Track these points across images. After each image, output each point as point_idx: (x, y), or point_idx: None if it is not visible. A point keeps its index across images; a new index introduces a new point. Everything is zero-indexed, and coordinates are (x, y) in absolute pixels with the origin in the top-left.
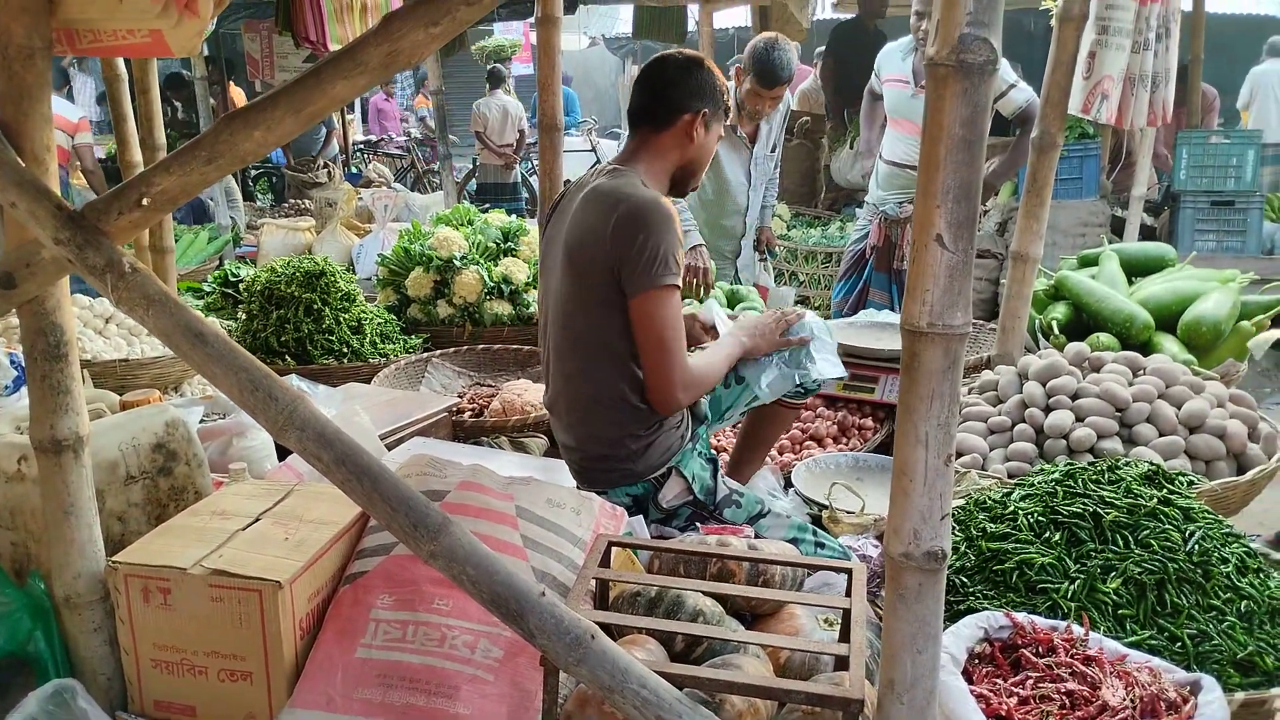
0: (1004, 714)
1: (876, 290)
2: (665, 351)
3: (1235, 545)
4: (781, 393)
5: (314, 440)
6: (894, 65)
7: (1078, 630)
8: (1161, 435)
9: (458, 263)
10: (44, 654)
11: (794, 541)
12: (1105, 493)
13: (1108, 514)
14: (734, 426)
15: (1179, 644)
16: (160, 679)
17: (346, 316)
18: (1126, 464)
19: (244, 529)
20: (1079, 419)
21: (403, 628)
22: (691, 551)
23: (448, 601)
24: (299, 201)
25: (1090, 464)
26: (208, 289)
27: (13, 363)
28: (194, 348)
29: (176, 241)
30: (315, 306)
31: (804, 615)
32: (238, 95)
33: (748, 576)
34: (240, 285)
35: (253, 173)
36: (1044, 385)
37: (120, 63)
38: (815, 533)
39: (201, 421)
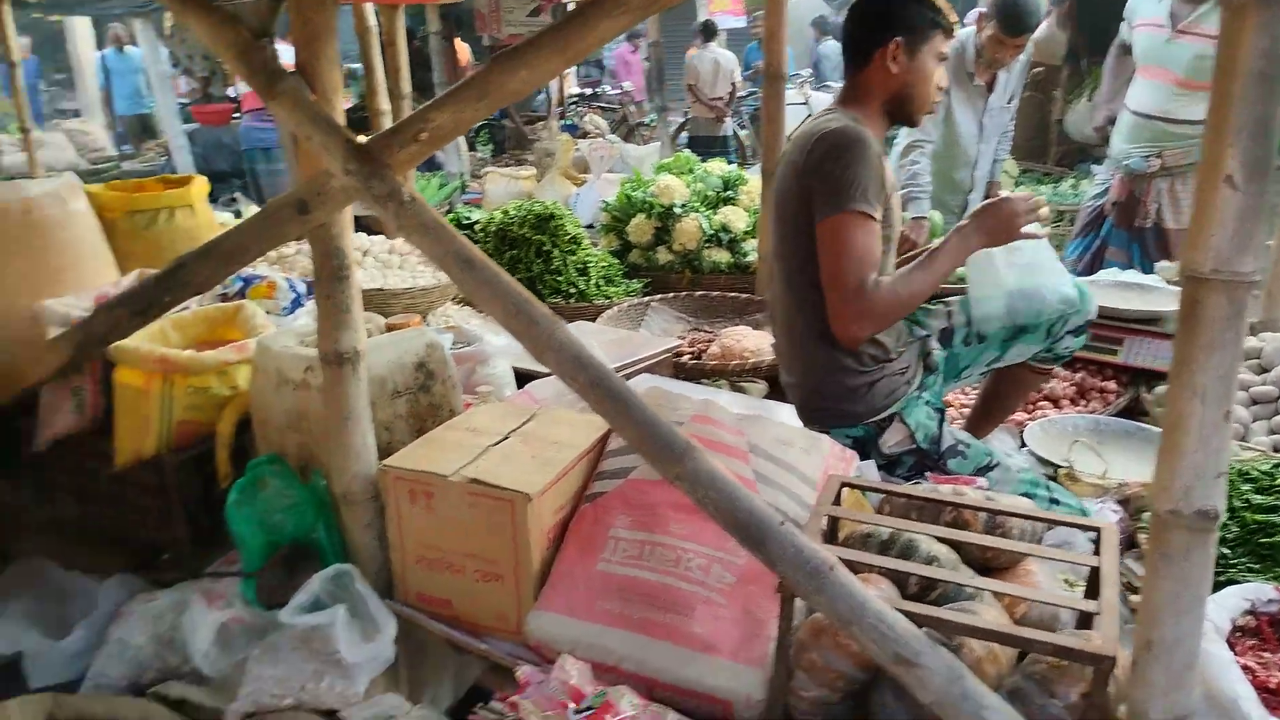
0: (1272, 688)
1: (1115, 248)
2: (838, 277)
3: None
4: (1028, 355)
5: (571, 362)
6: (1148, 8)
7: None
8: None
9: (678, 210)
10: (324, 543)
11: (1026, 497)
12: None
13: None
14: (973, 385)
15: None
16: (422, 574)
17: (573, 259)
18: None
19: (495, 444)
20: None
21: (640, 547)
22: (925, 498)
23: (684, 526)
24: (518, 152)
25: None
26: None
27: (290, 287)
28: (464, 272)
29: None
30: (545, 248)
31: (1042, 572)
32: (462, 50)
33: (984, 527)
34: (475, 226)
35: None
36: None
37: (370, 15)
38: (1050, 488)
39: (461, 346)
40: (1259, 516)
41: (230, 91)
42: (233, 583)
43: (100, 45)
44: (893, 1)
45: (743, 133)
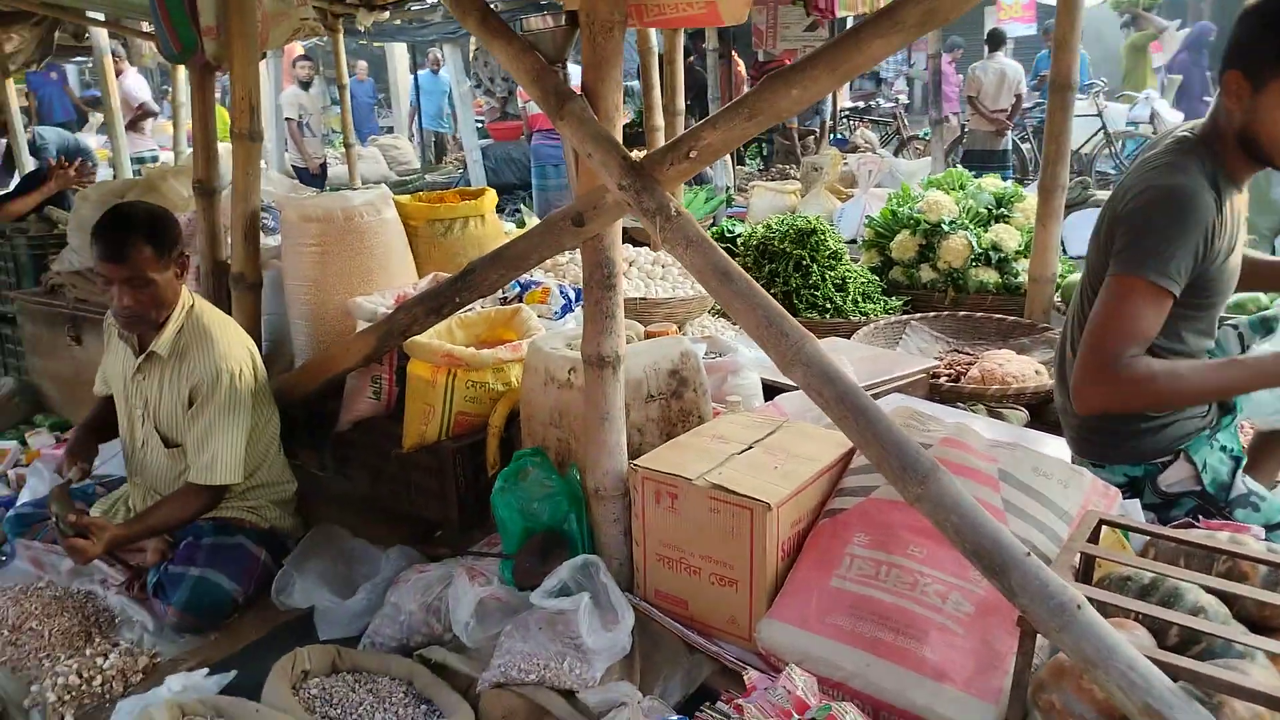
0: None
1: None
2: (1096, 338)
3: None
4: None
5: (818, 376)
6: None
7: None
8: None
9: (945, 227)
10: (575, 533)
11: None
12: None
13: None
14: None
15: None
16: (662, 572)
17: (832, 274)
18: None
19: (739, 453)
20: None
21: (876, 566)
22: (1197, 544)
23: (922, 549)
24: (785, 166)
25: None
26: None
27: (561, 293)
28: (721, 284)
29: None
30: (804, 262)
31: None
32: (738, 66)
33: (1263, 582)
34: (738, 240)
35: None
36: None
37: (652, 35)
38: None
39: (714, 356)
40: None
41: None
42: (493, 563)
43: (414, 69)
44: (1256, 19)
45: (1025, 146)
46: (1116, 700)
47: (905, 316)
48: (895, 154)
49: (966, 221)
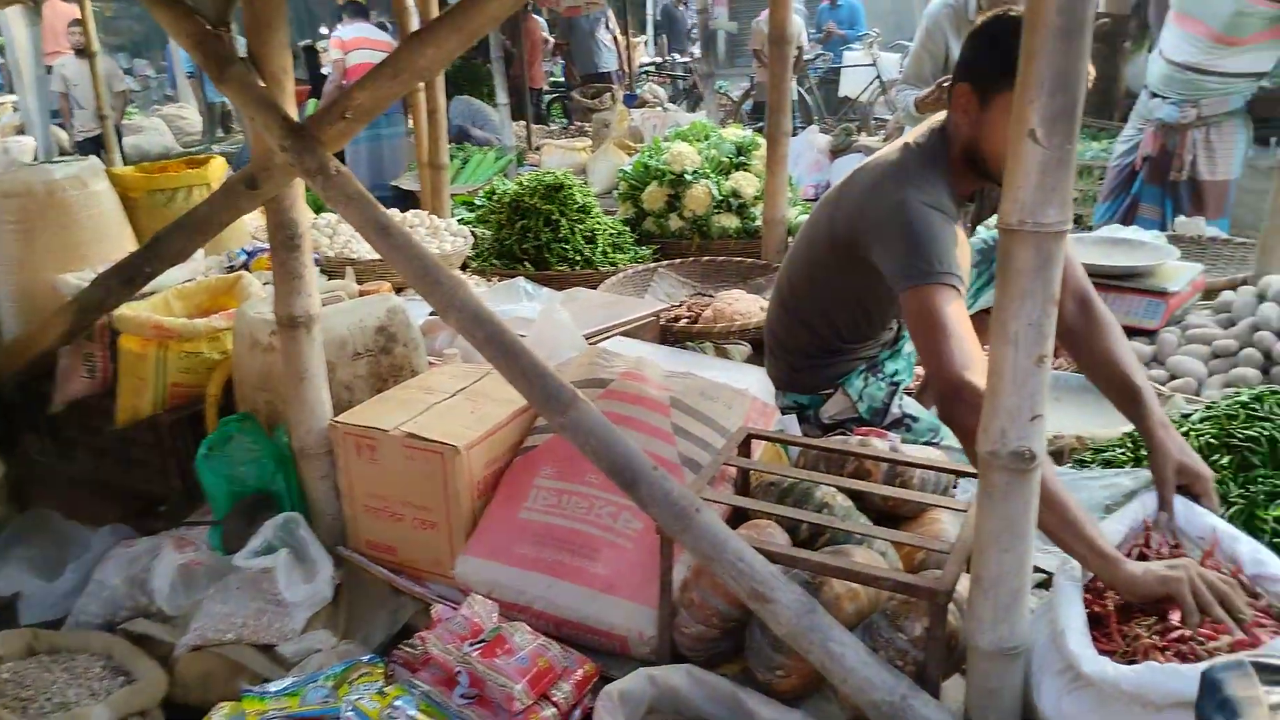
0: (1102, 614)
1: (1147, 205)
2: (932, 363)
3: None
4: (991, 303)
5: (470, 320)
6: None
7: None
8: None
9: (689, 177)
10: (283, 493)
11: None
12: None
13: None
14: None
15: None
16: (370, 521)
17: (581, 227)
18: None
19: (441, 401)
20: None
21: (559, 495)
22: (830, 449)
23: (599, 475)
24: (584, 124)
25: None
26: (479, 202)
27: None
28: (380, 238)
29: (467, 162)
30: (554, 217)
31: (948, 519)
32: (535, 23)
33: (884, 477)
34: (492, 196)
35: (546, 98)
36: None
37: None
38: None
39: (431, 314)
40: None
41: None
42: (204, 530)
43: None
44: (985, 40)
45: (809, 98)
46: (732, 588)
47: (654, 264)
48: (694, 109)
49: (709, 171)
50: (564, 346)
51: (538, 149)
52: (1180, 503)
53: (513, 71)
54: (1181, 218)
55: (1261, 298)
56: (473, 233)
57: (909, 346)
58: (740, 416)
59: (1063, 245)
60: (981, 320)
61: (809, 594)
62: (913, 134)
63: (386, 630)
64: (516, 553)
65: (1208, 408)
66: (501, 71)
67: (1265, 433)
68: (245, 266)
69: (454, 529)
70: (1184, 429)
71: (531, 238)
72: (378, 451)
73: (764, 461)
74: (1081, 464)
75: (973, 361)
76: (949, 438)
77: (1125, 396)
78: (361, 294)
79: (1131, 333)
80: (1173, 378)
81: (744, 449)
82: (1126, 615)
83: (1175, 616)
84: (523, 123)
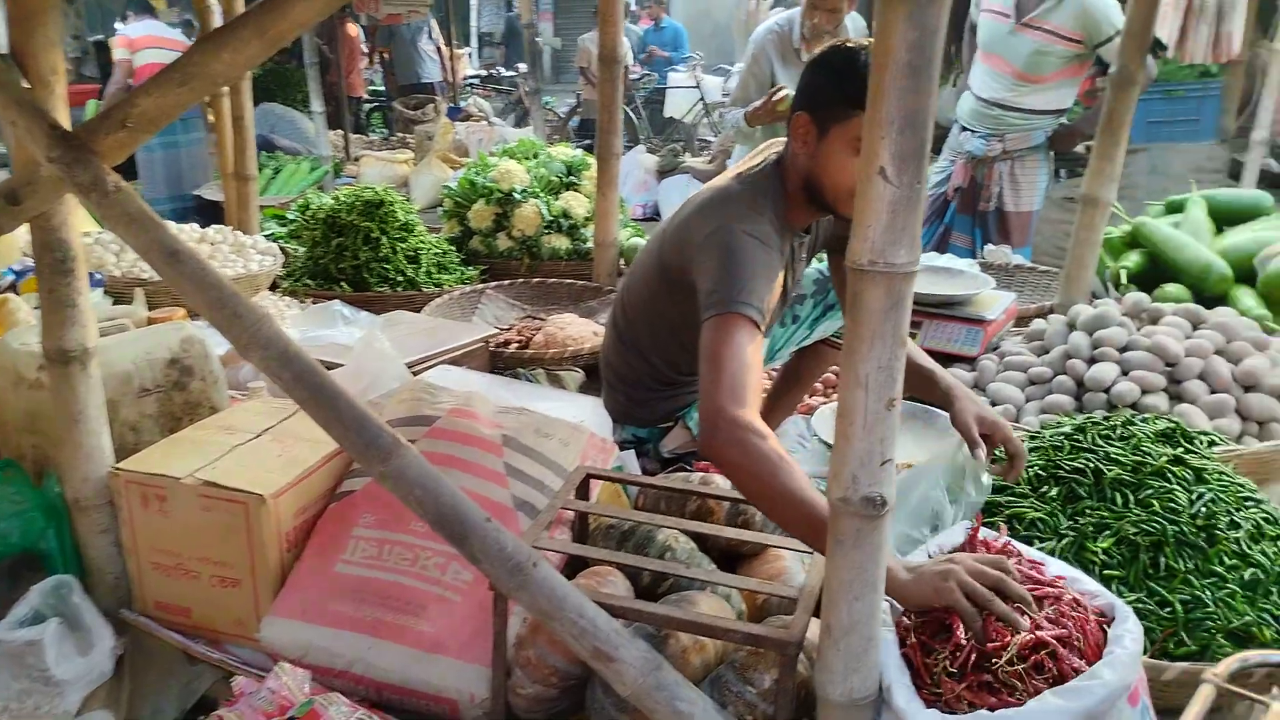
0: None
1: (959, 233)
2: (706, 385)
3: (1254, 510)
4: (831, 331)
5: (276, 359)
6: None
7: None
8: (1213, 393)
9: (518, 195)
10: (54, 551)
11: None
12: (1113, 449)
13: (1110, 470)
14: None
15: (1168, 609)
16: (159, 581)
17: (403, 246)
18: (1144, 420)
19: (244, 443)
20: (1125, 373)
21: (379, 546)
22: (672, 488)
23: (423, 524)
24: (405, 135)
25: (1105, 418)
26: (290, 216)
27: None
28: (168, 265)
29: (279, 172)
30: (373, 235)
31: (790, 559)
32: (352, 29)
33: (727, 516)
34: (306, 212)
35: (366, 107)
36: (1090, 335)
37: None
38: None
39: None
40: (989, 497)
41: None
42: None
43: None
44: (826, 70)
45: (634, 117)
46: (573, 647)
47: (481, 285)
48: (519, 123)
49: (538, 189)
50: (386, 377)
51: (356, 160)
52: (988, 533)
53: (329, 78)
54: (990, 246)
55: (1071, 326)
56: (284, 250)
57: None
58: (577, 454)
59: (912, 286)
60: (819, 351)
61: (654, 649)
62: (747, 163)
63: (179, 705)
64: (332, 611)
65: (1032, 437)
66: (316, 78)
67: (1090, 464)
68: (13, 288)
69: (259, 586)
70: None
71: (349, 257)
72: (168, 502)
73: (602, 501)
74: None
75: (743, 395)
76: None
77: (922, 380)
78: (151, 321)
79: (952, 360)
80: (994, 404)
81: (582, 489)
82: (935, 637)
83: (961, 631)
84: (340, 132)
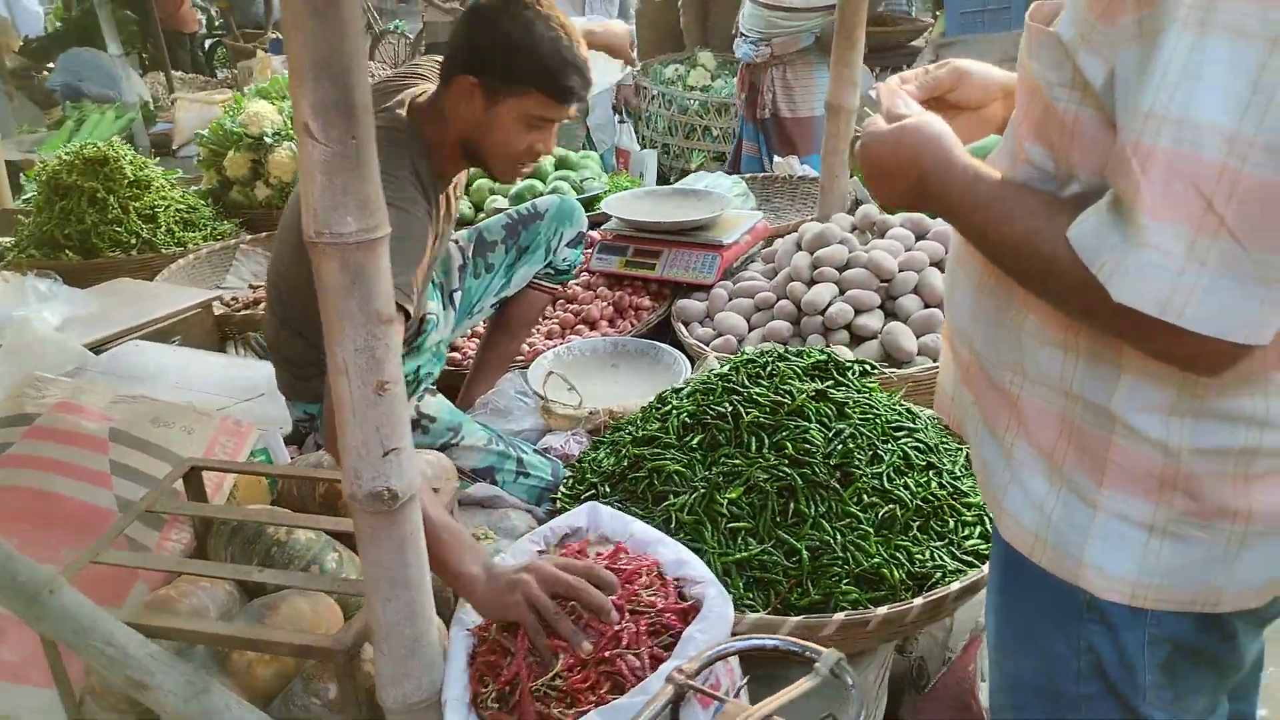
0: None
1: (748, 143)
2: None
3: (905, 439)
4: (531, 277)
5: None
6: None
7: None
8: (927, 307)
9: (269, 140)
10: None
11: (490, 470)
12: (757, 390)
13: (748, 413)
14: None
15: (795, 557)
16: None
17: (137, 205)
18: (798, 354)
19: None
20: (843, 292)
21: None
22: (297, 475)
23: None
24: (235, 72)
25: (762, 353)
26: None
27: None
28: None
29: (83, 123)
30: (99, 195)
31: None
32: None
33: None
34: (25, 174)
35: (206, 43)
36: (812, 255)
37: None
38: (522, 457)
39: None
40: (638, 449)
41: None
42: None
43: None
44: (487, 28)
45: None
46: (105, 679)
47: (234, 241)
48: (371, 54)
49: (292, 132)
50: (49, 361)
51: (174, 103)
52: (605, 511)
53: (154, 12)
54: (778, 158)
55: (799, 246)
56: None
57: (434, 337)
58: (204, 442)
59: (377, 256)
60: (525, 296)
61: (210, 668)
62: (393, 105)
63: None
64: None
65: (698, 381)
66: (109, 17)
67: (731, 408)
68: None
69: None
70: (668, 408)
71: (74, 221)
72: None
73: (240, 491)
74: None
75: None
76: (471, 436)
77: None
78: None
79: (691, 289)
80: (718, 334)
81: (198, 483)
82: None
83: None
84: (162, 74)
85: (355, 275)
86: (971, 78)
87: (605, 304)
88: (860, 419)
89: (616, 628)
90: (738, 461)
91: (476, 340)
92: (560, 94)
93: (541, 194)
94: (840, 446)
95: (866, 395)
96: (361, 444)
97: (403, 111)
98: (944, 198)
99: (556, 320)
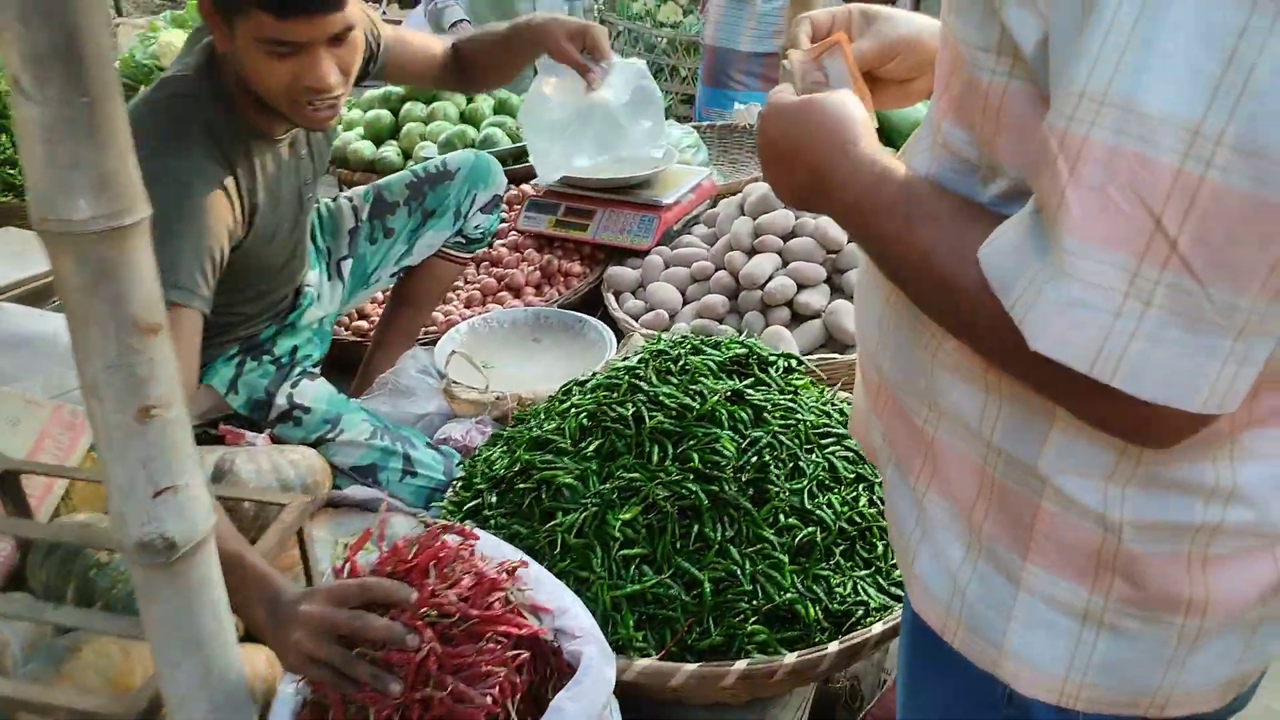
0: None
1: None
2: None
3: (833, 448)
4: (440, 244)
5: None
6: None
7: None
8: None
9: None
10: None
11: (373, 468)
12: (666, 388)
13: (652, 417)
14: (385, 292)
15: (697, 591)
16: None
17: None
18: (718, 343)
19: None
20: (786, 263)
21: None
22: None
23: None
24: None
25: (675, 344)
26: None
27: None
28: None
29: None
30: None
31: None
32: None
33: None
34: None
35: None
36: (755, 220)
37: None
38: (411, 453)
39: None
40: (528, 456)
41: None
42: None
43: None
44: None
45: None
46: None
47: None
48: None
49: None
50: None
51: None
52: (486, 539)
53: None
54: (739, 104)
55: (743, 210)
56: None
57: (315, 313)
58: (33, 435)
59: (129, 249)
60: (431, 266)
61: None
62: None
63: None
64: None
65: (606, 374)
66: None
67: (634, 409)
68: None
69: None
70: (568, 404)
71: None
72: None
73: (77, 498)
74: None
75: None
76: (351, 430)
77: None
78: None
79: (626, 254)
80: (649, 307)
81: (15, 487)
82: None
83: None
84: None
85: (98, 273)
86: (891, 29)
87: (532, 268)
88: (781, 425)
89: (420, 655)
90: (636, 475)
91: None
92: (276, 7)
93: (473, 142)
94: (755, 459)
95: (790, 396)
96: (126, 482)
97: (193, 59)
98: (840, 199)
99: (478, 286)
